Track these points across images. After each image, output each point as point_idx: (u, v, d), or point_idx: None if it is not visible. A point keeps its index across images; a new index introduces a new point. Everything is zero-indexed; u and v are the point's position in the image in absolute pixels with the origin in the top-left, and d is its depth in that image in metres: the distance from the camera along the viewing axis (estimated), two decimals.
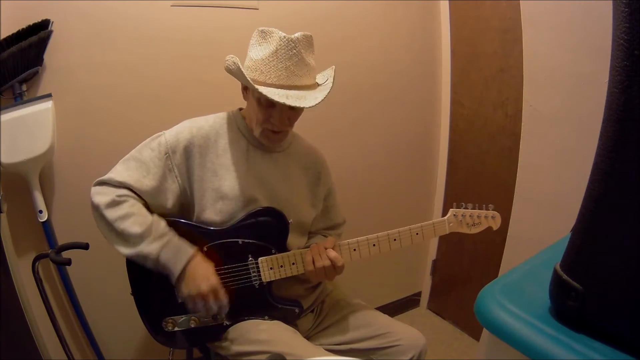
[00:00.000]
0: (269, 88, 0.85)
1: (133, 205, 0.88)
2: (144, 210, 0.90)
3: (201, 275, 0.86)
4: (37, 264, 1.13)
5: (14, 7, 1.08)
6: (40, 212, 1.16)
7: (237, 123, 1.00)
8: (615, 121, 0.42)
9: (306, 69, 0.88)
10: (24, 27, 1.07)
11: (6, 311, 1.05)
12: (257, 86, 0.84)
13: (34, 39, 1.06)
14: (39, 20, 1.09)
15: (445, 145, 1.90)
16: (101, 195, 0.88)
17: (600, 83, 0.73)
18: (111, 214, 0.86)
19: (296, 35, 0.86)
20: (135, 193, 0.91)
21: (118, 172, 0.91)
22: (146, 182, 0.91)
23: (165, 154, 0.92)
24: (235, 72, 0.89)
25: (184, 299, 0.89)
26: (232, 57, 0.89)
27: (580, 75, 1.19)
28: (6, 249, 1.11)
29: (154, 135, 0.95)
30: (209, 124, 0.98)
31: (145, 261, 0.86)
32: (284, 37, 0.85)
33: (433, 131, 1.92)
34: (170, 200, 0.94)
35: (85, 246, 1.13)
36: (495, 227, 1.04)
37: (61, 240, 1.20)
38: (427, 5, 1.77)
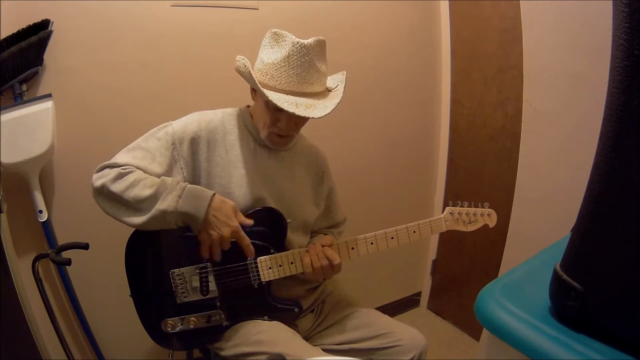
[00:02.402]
0: (279, 94, 0.85)
1: (140, 174, 0.85)
2: (150, 176, 0.87)
3: (223, 220, 0.85)
4: (37, 264, 1.13)
5: (14, 7, 1.08)
6: (40, 212, 1.16)
7: (245, 121, 1.00)
8: (615, 121, 0.42)
9: (317, 75, 0.88)
10: (24, 27, 1.07)
11: (6, 311, 1.05)
12: (266, 92, 0.84)
13: (34, 39, 1.06)
14: (39, 20, 1.09)
15: (445, 145, 1.90)
16: (104, 177, 0.84)
17: (600, 83, 0.73)
18: (118, 186, 0.83)
19: (309, 41, 0.85)
20: None
21: (122, 158, 0.89)
22: (151, 169, 0.89)
23: (172, 144, 0.92)
24: (245, 75, 0.89)
25: (205, 244, 0.87)
26: (243, 60, 0.88)
27: (580, 75, 1.19)
28: (6, 249, 1.10)
29: (161, 125, 0.94)
30: (217, 118, 0.98)
31: (164, 219, 0.83)
32: (297, 42, 0.84)
33: (433, 131, 1.92)
34: None
35: (85, 246, 1.13)
36: (491, 225, 1.02)
37: (61, 240, 1.20)
38: (427, 5, 1.77)
